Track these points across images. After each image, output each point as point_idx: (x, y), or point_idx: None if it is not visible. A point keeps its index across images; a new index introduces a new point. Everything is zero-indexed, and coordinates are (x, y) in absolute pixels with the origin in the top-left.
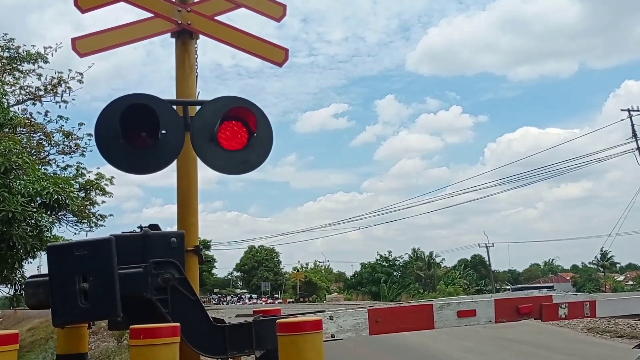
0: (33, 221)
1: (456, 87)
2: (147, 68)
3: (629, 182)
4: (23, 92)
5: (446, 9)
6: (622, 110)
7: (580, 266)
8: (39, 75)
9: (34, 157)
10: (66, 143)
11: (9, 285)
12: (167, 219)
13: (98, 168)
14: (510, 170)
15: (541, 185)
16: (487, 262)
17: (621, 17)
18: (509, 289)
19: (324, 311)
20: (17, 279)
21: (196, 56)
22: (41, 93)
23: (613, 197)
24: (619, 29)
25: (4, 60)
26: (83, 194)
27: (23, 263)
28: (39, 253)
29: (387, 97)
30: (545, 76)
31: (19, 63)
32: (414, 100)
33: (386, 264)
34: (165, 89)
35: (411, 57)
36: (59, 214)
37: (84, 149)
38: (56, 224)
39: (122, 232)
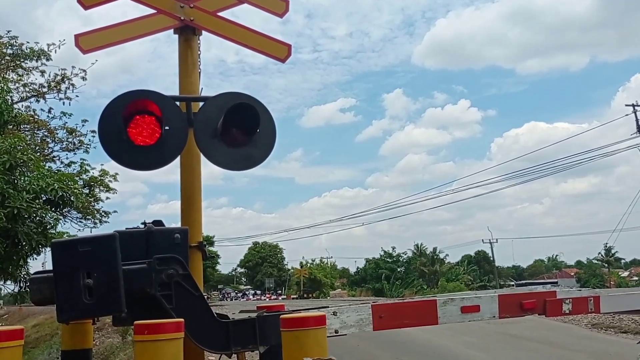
0: (38, 218)
1: (464, 80)
2: (153, 64)
3: (637, 177)
4: (26, 89)
5: (450, 3)
6: (626, 105)
7: (585, 262)
8: (42, 72)
9: (38, 154)
10: (70, 140)
11: (14, 282)
12: (172, 215)
13: (102, 164)
14: (517, 165)
15: (548, 181)
16: (491, 258)
17: (634, 9)
18: (512, 285)
19: (328, 307)
20: (22, 275)
21: (199, 52)
22: (44, 90)
23: (620, 192)
24: (632, 21)
25: (7, 58)
26: (87, 191)
27: (28, 260)
28: (43, 249)
29: (395, 91)
30: (555, 70)
31: (22, 60)
32: (421, 94)
33: (390, 260)
34: (169, 85)
35: (418, 51)
36: (64, 210)
37: (88, 146)
38: (61, 221)
39: (126, 228)
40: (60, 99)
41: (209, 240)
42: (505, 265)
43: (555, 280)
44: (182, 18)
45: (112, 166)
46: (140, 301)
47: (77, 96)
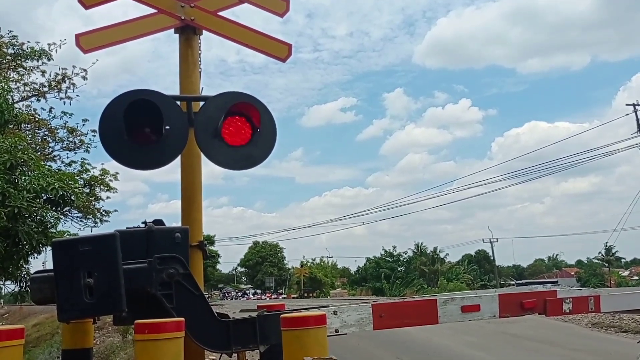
0: (38, 217)
1: (464, 80)
2: (154, 63)
3: (638, 177)
4: (27, 88)
5: (451, 3)
6: (627, 104)
7: (585, 261)
8: (43, 71)
9: (39, 153)
10: (70, 139)
11: (14, 281)
12: (172, 214)
13: (102, 164)
14: (517, 164)
15: (548, 180)
16: (492, 258)
17: (635, 9)
18: (513, 284)
19: (328, 306)
20: (22, 274)
21: (200, 52)
22: (45, 89)
23: (620, 191)
24: (632, 20)
25: (8, 57)
26: (88, 190)
27: (28, 259)
28: (44, 249)
29: (395, 90)
30: (556, 69)
31: (23, 60)
32: (421, 93)
33: (390, 260)
34: (170, 85)
35: (418, 50)
36: (64, 209)
37: (89, 145)
38: (61, 220)
39: (127, 228)
40: (61, 98)
41: (210, 240)
42: (506, 265)
43: (556, 280)
44: (183, 18)
45: (113, 165)
46: (140, 300)
47: (77, 96)
